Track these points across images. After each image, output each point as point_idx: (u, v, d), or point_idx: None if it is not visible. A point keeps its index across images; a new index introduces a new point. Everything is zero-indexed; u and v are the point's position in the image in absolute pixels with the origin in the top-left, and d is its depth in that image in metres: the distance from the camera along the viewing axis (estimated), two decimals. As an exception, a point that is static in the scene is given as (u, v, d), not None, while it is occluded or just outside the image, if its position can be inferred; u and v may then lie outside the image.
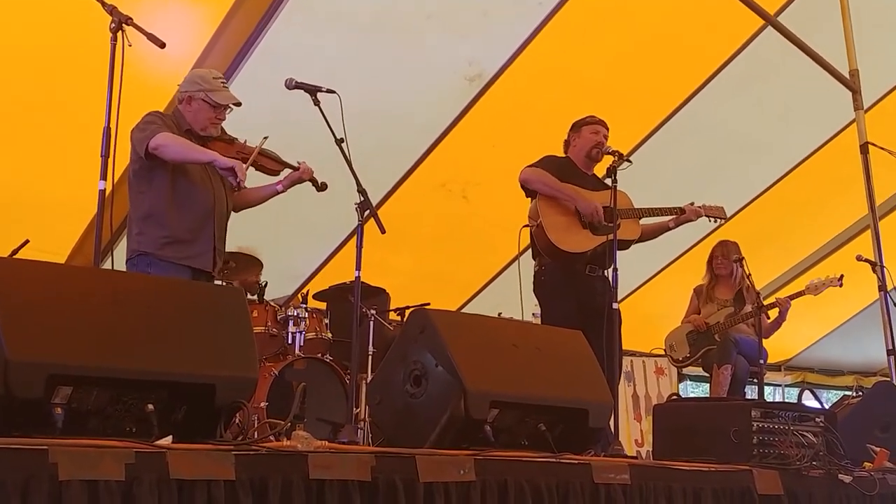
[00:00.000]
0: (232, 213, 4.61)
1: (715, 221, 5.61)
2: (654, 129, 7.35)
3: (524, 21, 6.30)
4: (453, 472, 3.00)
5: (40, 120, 5.61)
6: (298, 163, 4.58)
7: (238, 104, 4.48)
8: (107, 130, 3.71)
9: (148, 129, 4.16)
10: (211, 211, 4.35)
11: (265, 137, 4.47)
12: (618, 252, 4.70)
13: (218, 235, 4.41)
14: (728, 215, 5.73)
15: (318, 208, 6.66)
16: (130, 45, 3.72)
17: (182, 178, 4.27)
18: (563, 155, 5.43)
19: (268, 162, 4.53)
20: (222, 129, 4.50)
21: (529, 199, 5.30)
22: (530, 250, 5.38)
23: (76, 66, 5.32)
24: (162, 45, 3.82)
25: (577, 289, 5.18)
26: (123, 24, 3.73)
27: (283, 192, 4.60)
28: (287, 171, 4.59)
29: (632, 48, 6.77)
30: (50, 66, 5.43)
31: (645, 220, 5.39)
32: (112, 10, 3.76)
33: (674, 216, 5.45)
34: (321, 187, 4.62)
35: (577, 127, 5.42)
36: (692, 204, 5.46)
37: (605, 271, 5.17)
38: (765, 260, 8.25)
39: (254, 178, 4.63)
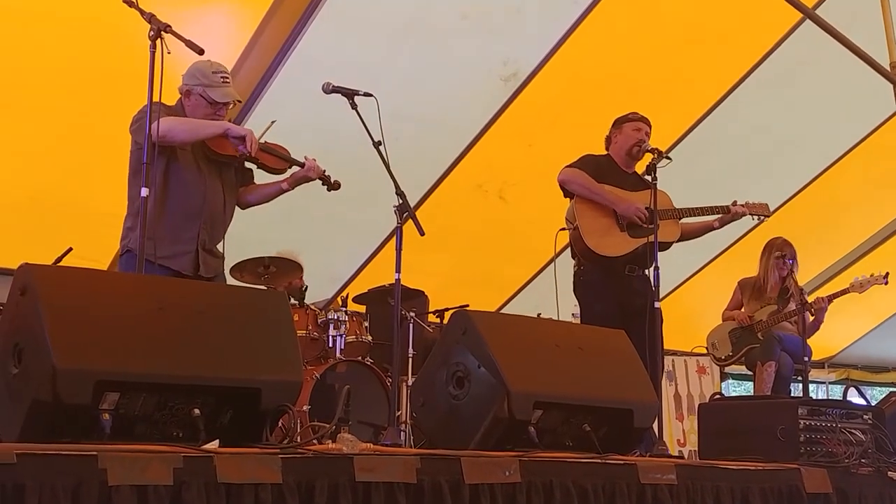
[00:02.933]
0: (241, 210, 4.49)
1: (758, 219, 5.52)
2: (692, 125, 7.29)
3: (559, 19, 6.28)
4: (499, 474, 2.98)
5: (82, 128, 5.69)
6: (305, 158, 4.39)
7: (238, 101, 4.33)
8: (148, 137, 3.73)
9: (141, 123, 3.97)
10: (198, 211, 4.20)
11: (272, 122, 4.31)
12: (661, 251, 4.65)
13: (206, 237, 4.24)
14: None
15: (356, 211, 6.69)
16: (170, 53, 3.73)
17: (174, 177, 4.15)
18: (605, 151, 5.38)
19: (270, 160, 4.35)
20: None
21: (568, 199, 5.27)
22: (569, 250, 5.34)
23: (117, 74, 5.37)
24: (200, 52, 3.83)
25: (616, 289, 5.14)
26: (162, 32, 3.74)
27: (288, 190, 4.43)
28: (295, 169, 4.41)
29: (668, 45, 6.72)
30: (91, 75, 5.50)
31: (686, 220, 5.32)
32: (151, 19, 3.77)
33: (718, 216, 5.36)
34: (333, 186, 4.42)
35: (619, 123, 5.34)
36: (735, 202, 5.38)
37: (646, 270, 5.12)
38: (807, 256, 8.11)
39: (258, 178, 4.58)
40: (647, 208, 5.00)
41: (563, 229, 5.28)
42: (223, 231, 4.38)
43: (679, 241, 5.30)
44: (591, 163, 5.21)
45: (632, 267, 5.16)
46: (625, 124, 5.31)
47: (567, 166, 5.18)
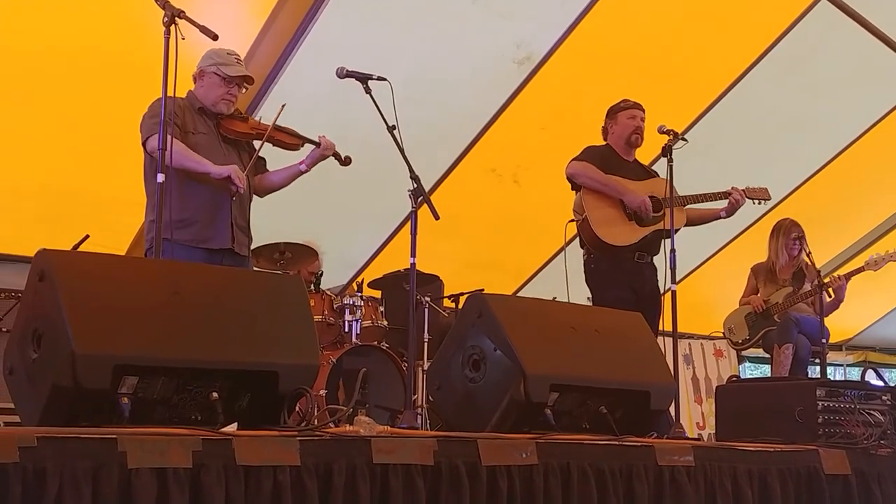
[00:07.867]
0: (256, 197, 4.56)
1: (760, 203, 5.52)
2: (707, 107, 7.23)
3: (572, 2, 6.24)
4: (515, 456, 2.99)
5: (97, 115, 5.69)
6: (319, 137, 4.50)
7: (250, 80, 4.41)
8: (163, 123, 3.74)
9: (145, 125, 4.17)
10: (226, 189, 4.27)
11: (283, 105, 4.39)
12: (667, 238, 4.70)
13: (236, 213, 4.32)
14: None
15: (371, 196, 6.68)
16: (184, 39, 3.74)
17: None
18: (603, 143, 5.40)
19: (285, 136, 4.47)
20: (237, 109, 4.45)
21: (574, 191, 5.29)
22: (577, 241, 5.36)
23: (130, 60, 5.38)
24: (214, 38, 3.84)
25: (628, 275, 5.19)
26: (176, 18, 3.76)
27: (306, 171, 4.51)
28: (309, 148, 4.52)
29: (683, 26, 6.67)
30: (106, 61, 5.49)
31: (691, 206, 5.33)
32: (165, 4, 3.79)
33: (725, 206, 5.35)
34: (345, 161, 4.56)
35: (612, 113, 5.39)
36: (733, 188, 5.36)
37: (654, 258, 5.25)
38: (822, 239, 8.10)
39: (274, 156, 4.63)
40: (651, 197, 5.11)
41: (572, 221, 5.30)
42: (247, 209, 4.45)
43: (685, 226, 5.31)
44: (596, 154, 5.27)
45: (641, 254, 5.23)
46: (619, 113, 5.36)
47: (574, 159, 5.24)
